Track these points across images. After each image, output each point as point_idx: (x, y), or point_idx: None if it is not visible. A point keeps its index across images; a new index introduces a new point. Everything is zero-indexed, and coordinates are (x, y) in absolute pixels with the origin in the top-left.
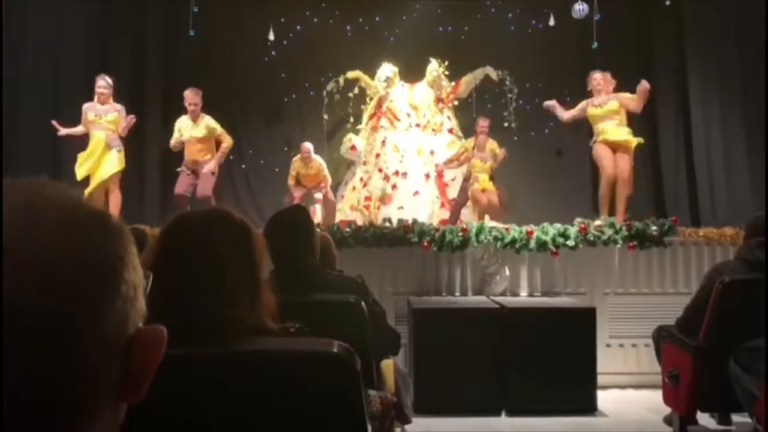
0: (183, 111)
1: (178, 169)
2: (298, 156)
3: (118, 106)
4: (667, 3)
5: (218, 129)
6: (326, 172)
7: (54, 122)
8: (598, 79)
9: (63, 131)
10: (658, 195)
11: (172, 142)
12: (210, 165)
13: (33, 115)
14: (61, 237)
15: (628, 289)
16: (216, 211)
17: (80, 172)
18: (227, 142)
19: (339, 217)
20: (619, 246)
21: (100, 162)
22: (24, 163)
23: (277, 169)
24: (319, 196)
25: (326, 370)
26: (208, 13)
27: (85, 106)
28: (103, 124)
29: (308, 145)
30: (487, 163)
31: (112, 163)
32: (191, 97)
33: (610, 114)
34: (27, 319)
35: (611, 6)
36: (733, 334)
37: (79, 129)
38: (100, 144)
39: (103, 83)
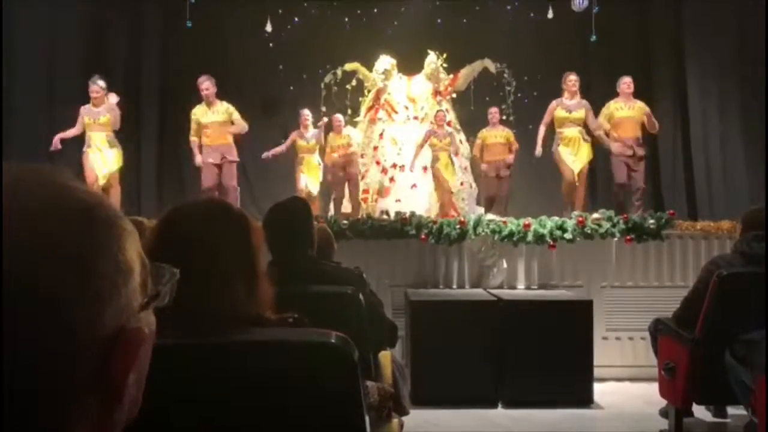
0: (179, 102)
1: (199, 162)
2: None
3: (112, 103)
4: None
5: (235, 113)
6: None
7: (56, 141)
8: (574, 81)
9: (57, 139)
10: (656, 188)
11: (192, 135)
12: (234, 154)
13: (29, 105)
14: (33, 226)
15: (625, 282)
16: (213, 201)
17: (99, 175)
18: (244, 126)
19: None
20: (616, 239)
21: (103, 160)
22: (20, 157)
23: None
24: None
25: (324, 360)
26: (206, 5)
27: (82, 109)
28: (97, 127)
29: (338, 116)
30: (444, 140)
31: (114, 161)
32: (204, 82)
33: (576, 121)
34: None
35: None
36: (729, 327)
37: (72, 131)
38: (103, 144)
39: (95, 87)
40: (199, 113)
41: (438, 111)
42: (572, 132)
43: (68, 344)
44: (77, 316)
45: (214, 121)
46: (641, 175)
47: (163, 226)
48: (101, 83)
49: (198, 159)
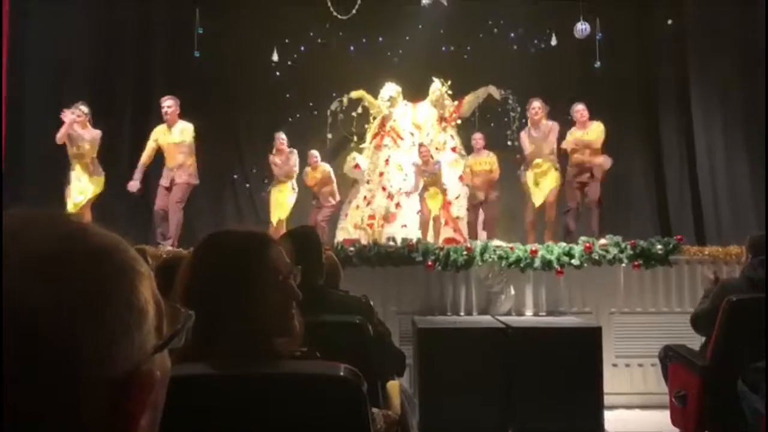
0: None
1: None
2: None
3: (95, 132)
4: (669, 22)
5: (189, 138)
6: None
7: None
8: (536, 108)
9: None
10: (663, 214)
11: (144, 154)
12: (184, 176)
13: (36, 136)
14: (44, 271)
15: (633, 309)
16: (250, 234)
17: (69, 204)
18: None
19: (342, 236)
20: (624, 265)
21: (80, 188)
22: (29, 177)
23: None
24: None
25: (333, 393)
26: (213, 34)
27: (71, 131)
28: (78, 156)
29: (314, 152)
30: (431, 177)
31: (92, 189)
32: (165, 101)
33: (542, 148)
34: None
35: (613, 25)
36: (740, 353)
37: (62, 133)
38: (82, 172)
39: (78, 112)
40: (158, 133)
41: (420, 146)
42: (538, 161)
43: (78, 384)
44: (89, 358)
45: (170, 142)
46: (596, 190)
47: (196, 259)
48: (84, 109)
49: (132, 184)
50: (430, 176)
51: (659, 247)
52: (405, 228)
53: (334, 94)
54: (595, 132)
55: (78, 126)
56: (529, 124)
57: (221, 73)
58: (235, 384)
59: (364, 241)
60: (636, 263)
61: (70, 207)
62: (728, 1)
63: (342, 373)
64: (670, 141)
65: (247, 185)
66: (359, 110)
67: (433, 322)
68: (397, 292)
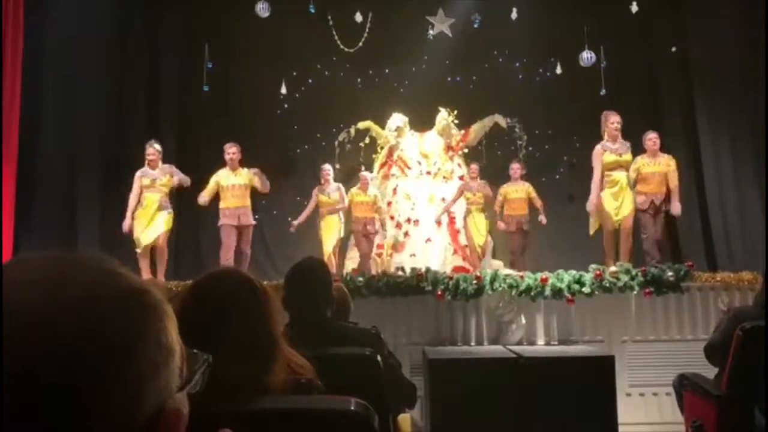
0: (198, 167)
1: (220, 224)
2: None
3: (167, 168)
4: (673, 49)
5: (256, 179)
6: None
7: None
8: (617, 123)
9: (126, 224)
10: (673, 240)
11: (204, 195)
12: (250, 217)
13: (50, 181)
14: (81, 312)
15: (646, 336)
16: (228, 275)
17: (142, 240)
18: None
19: (351, 266)
20: (635, 292)
21: (151, 222)
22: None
23: (290, 219)
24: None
25: (344, 428)
26: (222, 69)
27: (138, 172)
28: (157, 188)
29: (367, 174)
30: (476, 194)
31: (162, 223)
32: (231, 147)
33: (625, 164)
34: (39, 389)
35: (618, 53)
36: (756, 382)
37: (133, 202)
38: (153, 206)
39: (152, 150)
40: (221, 176)
41: (472, 164)
42: (621, 176)
43: (109, 422)
44: (120, 396)
45: (236, 184)
46: (659, 227)
47: (181, 306)
48: (157, 147)
49: (202, 199)
50: (474, 194)
51: (670, 273)
52: (414, 257)
53: (341, 125)
54: (665, 164)
55: (152, 164)
56: (605, 138)
57: (230, 107)
58: (246, 420)
59: (373, 271)
60: (647, 290)
61: (142, 241)
62: (732, 25)
63: (353, 408)
64: (677, 165)
65: (256, 216)
66: (367, 140)
67: (444, 353)
68: (407, 322)
